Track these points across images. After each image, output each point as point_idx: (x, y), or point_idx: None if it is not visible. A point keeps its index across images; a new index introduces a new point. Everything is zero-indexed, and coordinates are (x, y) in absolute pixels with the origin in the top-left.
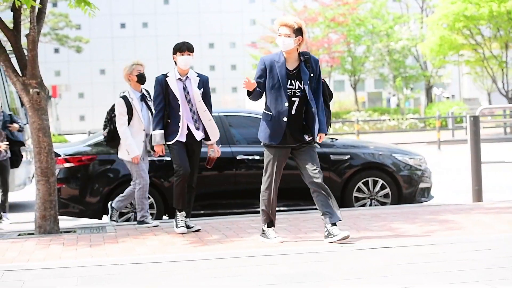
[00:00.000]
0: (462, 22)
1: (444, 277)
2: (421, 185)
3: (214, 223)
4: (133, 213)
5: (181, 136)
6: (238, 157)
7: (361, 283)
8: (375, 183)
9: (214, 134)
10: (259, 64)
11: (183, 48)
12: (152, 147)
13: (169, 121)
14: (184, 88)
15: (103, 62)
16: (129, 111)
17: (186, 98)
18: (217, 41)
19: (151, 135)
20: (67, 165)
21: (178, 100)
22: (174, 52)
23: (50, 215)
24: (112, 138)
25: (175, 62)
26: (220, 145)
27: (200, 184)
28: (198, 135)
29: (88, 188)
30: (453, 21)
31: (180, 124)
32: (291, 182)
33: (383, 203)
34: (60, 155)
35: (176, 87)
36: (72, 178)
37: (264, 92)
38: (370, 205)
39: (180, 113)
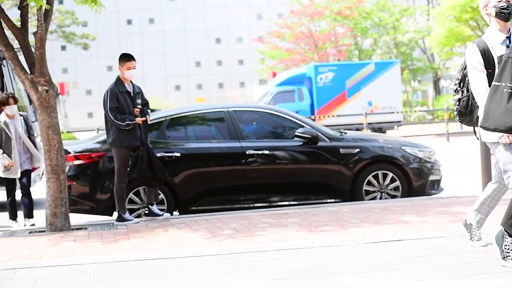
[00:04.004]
0: (469, 13)
1: (456, 270)
2: (431, 178)
3: (225, 218)
4: (144, 209)
5: None
6: (247, 152)
7: (373, 276)
8: (385, 176)
9: None
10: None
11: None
12: None
13: None
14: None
15: (110, 58)
16: None
17: None
18: (224, 36)
19: None
20: (77, 162)
21: None
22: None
23: (61, 212)
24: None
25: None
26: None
27: (210, 180)
28: None
29: (98, 185)
30: (459, 13)
31: None
32: (300, 176)
33: (393, 196)
34: (69, 153)
35: None
36: (82, 175)
37: None
38: (380, 198)
39: None
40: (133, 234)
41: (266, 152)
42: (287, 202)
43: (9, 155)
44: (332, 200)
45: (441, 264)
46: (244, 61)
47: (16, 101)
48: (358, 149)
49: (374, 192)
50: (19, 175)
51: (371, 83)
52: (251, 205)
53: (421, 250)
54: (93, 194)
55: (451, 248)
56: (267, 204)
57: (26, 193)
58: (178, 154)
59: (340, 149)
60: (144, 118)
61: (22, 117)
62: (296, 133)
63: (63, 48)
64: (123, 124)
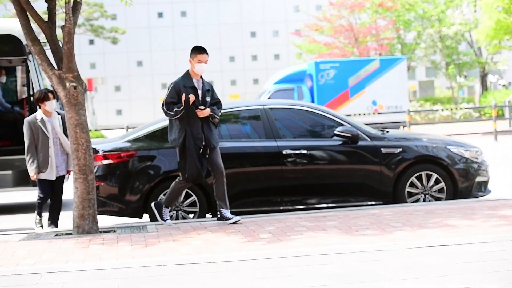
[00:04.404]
0: None
1: (505, 277)
2: (478, 179)
3: (260, 221)
4: (175, 211)
5: None
6: (284, 152)
7: (417, 283)
8: (429, 177)
9: None
10: None
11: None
12: None
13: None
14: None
15: (140, 53)
16: None
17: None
18: (259, 29)
19: None
20: (105, 162)
21: None
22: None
23: (89, 214)
24: None
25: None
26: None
27: (245, 181)
28: None
29: (127, 185)
30: (509, 4)
31: None
32: (340, 177)
33: (437, 198)
34: (98, 152)
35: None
36: (111, 175)
37: None
38: (424, 200)
39: None
40: (164, 237)
41: (304, 151)
42: (325, 205)
43: (46, 156)
44: (373, 203)
45: (490, 271)
46: (280, 55)
47: (55, 96)
48: (401, 149)
49: (417, 194)
50: (54, 178)
51: (376, 81)
52: (288, 208)
53: (467, 256)
54: (122, 195)
55: (500, 254)
56: (305, 207)
57: (58, 199)
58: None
59: (382, 149)
60: (205, 112)
61: (60, 116)
62: (335, 132)
63: (91, 42)
64: (172, 113)
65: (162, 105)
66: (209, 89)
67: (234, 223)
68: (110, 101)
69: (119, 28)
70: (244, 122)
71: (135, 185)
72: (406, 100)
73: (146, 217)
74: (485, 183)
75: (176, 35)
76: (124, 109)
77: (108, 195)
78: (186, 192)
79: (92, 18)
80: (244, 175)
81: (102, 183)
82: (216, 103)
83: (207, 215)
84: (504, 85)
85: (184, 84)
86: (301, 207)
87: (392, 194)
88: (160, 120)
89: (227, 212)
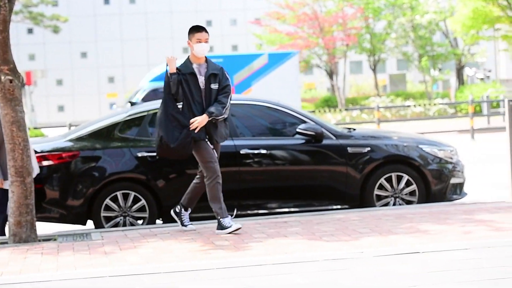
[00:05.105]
0: None
1: (481, 287)
2: (453, 181)
3: (213, 227)
4: (122, 217)
5: None
6: (242, 151)
7: None
8: (399, 179)
9: None
10: None
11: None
12: None
13: None
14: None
15: (85, 43)
16: None
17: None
18: (216, 18)
19: None
20: (45, 163)
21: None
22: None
23: (27, 221)
24: None
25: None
26: None
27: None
28: None
29: (70, 189)
30: None
31: None
32: (303, 179)
33: (408, 202)
34: (37, 152)
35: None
36: (51, 178)
37: None
38: (394, 204)
39: None
40: (110, 246)
41: (263, 151)
42: (287, 209)
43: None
44: (339, 207)
45: (464, 280)
46: (238, 46)
47: None
48: (369, 148)
49: (387, 197)
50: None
51: (264, 77)
52: (246, 212)
53: (440, 264)
54: (64, 200)
55: (476, 262)
56: (265, 211)
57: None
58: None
59: (348, 148)
60: (200, 123)
61: None
62: (297, 130)
63: (30, 31)
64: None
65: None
66: (215, 73)
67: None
68: (51, 96)
69: (61, 16)
70: None
71: (78, 189)
72: (298, 98)
73: (90, 223)
74: (461, 185)
75: (123, 24)
76: (67, 105)
77: (48, 200)
78: (135, 196)
79: (31, 5)
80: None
81: (42, 187)
82: (224, 87)
83: (157, 221)
84: (482, 78)
85: (182, 70)
86: (261, 212)
87: (360, 197)
88: (105, 117)
89: (186, 215)
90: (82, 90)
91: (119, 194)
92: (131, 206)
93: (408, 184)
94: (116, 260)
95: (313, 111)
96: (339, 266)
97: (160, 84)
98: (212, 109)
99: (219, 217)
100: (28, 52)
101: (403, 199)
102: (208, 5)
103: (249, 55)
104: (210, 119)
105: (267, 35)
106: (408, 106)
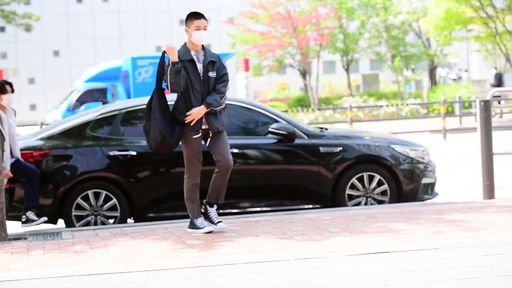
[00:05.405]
0: None
1: (451, 286)
2: (424, 181)
3: (187, 227)
4: (93, 216)
5: None
6: None
7: None
8: (371, 178)
9: None
10: None
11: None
12: None
13: None
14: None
15: (57, 42)
16: None
17: None
18: None
19: None
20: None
21: None
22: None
23: None
24: None
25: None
26: None
27: (171, 183)
28: None
29: (41, 188)
30: None
31: None
32: (274, 178)
33: (380, 202)
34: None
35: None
36: None
37: None
38: (366, 204)
39: None
40: (81, 245)
41: (235, 150)
42: (259, 208)
43: None
44: (310, 206)
45: (434, 280)
46: (212, 46)
47: (13, 89)
48: (341, 148)
49: (358, 197)
50: None
51: None
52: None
53: (411, 264)
54: None
55: (446, 262)
56: (236, 211)
57: None
58: (134, 153)
59: (320, 148)
60: (196, 115)
61: (14, 112)
62: (269, 129)
63: (2, 29)
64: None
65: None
66: (213, 61)
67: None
68: (23, 95)
69: (33, 14)
70: None
71: (49, 188)
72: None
73: (61, 222)
74: (432, 185)
75: (96, 22)
76: (39, 104)
77: (19, 199)
78: (106, 195)
79: (3, 3)
80: (170, 176)
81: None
82: (221, 76)
83: (129, 220)
84: (454, 79)
85: (180, 57)
86: (233, 211)
87: (331, 197)
88: (77, 116)
89: (212, 212)
90: (55, 89)
91: (90, 193)
92: (102, 205)
93: (379, 184)
94: (87, 259)
95: (286, 111)
96: (310, 266)
97: (96, 85)
98: (210, 99)
99: (192, 217)
100: (0, 50)
101: (374, 199)
102: (182, 4)
103: None
104: (208, 110)
105: (240, 34)
106: (381, 106)
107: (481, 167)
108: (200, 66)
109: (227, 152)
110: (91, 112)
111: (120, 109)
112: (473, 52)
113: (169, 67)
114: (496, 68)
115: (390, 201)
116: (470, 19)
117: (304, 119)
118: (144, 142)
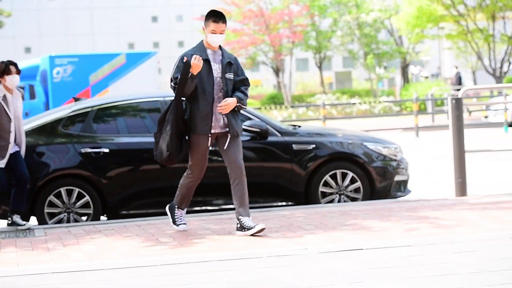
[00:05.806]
0: None
1: (423, 283)
2: (397, 178)
3: (160, 224)
4: (65, 214)
5: None
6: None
7: None
8: (344, 176)
9: None
10: None
11: None
12: None
13: None
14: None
15: (29, 38)
16: None
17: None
18: (161, 14)
19: None
20: None
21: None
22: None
23: None
24: None
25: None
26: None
27: (143, 180)
28: None
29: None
30: None
31: None
32: (247, 175)
33: (353, 199)
34: None
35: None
36: None
37: None
38: (339, 201)
39: None
40: (53, 242)
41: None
42: (232, 206)
43: (6, 143)
44: (284, 204)
45: (406, 277)
46: (184, 43)
47: (19, 71)
48: (314, 145)
49: (331, 194)
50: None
51: (122, 78)
52: (191, 209)
53: (383, 261)
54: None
55: (418, 259)
56: (210, 208)
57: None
58: (107, 150)
59: (293, 145)
60: (228, 107)
61: (22, 94)
62: (242, 127)
63: None
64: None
65: (170, 82)
66: (231, 63)
67: (259, 231)
68: None
69: (4, 10)
70: (143, 115)
71: None
72: None
73: (33, 220)
74: (405, 182)
75: (68, 18)
76: None
77: None
78: (79, 192)
79: None
80: (143, 173)
81: None
82: (241, 81)
83: (101, 217)
84: (426, 77)
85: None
86: (208, 208)
87: (304, 194)
88: (49, 113)
89: (248, 220)
90: None
91: (63, 190)
92: (75, 203)
93: (352, 181)
94: (59, 257)
95: (259, 108)
96: (283, 263)
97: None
98: (241, 95)
99: (175, 204)
100: None
101: (347, 196)
102: (155, 1)
103: (106, 54)
104: (238, 104)
105: None
106: (354, 103)
107: (453, 164)
108: (215, 67)
109: (240, 159)
110: (63, 109)
111: (92, 106)
112: (445, 50)
113: (188, 78)
114: (456, 68)
115: (363, 199)
116: (442, 17)
117: (277, 117)
118: (116, 139)
